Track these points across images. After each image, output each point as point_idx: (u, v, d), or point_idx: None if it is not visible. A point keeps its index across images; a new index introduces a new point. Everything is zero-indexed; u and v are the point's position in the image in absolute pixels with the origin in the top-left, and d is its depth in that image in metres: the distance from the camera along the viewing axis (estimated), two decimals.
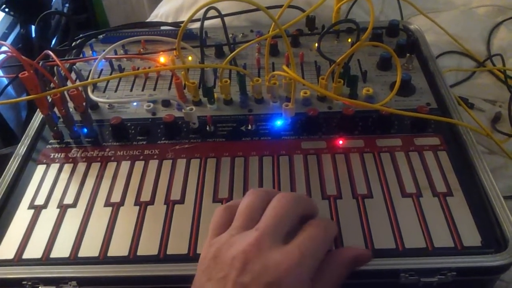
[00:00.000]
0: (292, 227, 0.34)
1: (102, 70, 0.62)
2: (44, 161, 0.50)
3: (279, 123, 0.52)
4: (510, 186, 0.58)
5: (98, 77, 0.61)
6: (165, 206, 0.44)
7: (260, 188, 0.41)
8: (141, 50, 0.65)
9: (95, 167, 0.49)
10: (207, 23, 0.52)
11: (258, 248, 0.32)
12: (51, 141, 0.52)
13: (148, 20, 0.95)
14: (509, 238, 0.40)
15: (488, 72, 0.75)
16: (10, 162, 0.50)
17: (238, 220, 0.35)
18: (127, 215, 0.44)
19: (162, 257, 0.40)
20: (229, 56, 0.51)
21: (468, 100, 0.69)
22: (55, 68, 0.51)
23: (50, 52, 0.50)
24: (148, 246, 0.41)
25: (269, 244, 0.32)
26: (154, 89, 0.59)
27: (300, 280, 0.31)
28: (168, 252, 0.40)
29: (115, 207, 0.44)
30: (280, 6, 0.52)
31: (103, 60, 0.61)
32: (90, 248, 0.41)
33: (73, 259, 0.40)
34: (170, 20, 0.88)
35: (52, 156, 0.50)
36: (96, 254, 0.41)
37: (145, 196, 0.45)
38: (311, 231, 0.34)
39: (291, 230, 0.34)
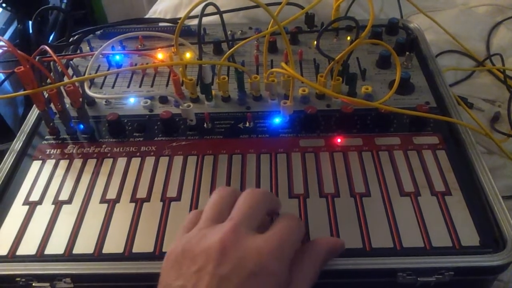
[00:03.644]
0: (262, 220, 0.34)
1: (99, 66, 0.62)
2: (40, 157, 0.49)
3: (277, 120, 0.52)
4: (508, 185, 0.58)
5: (95, 73, 0.60)
6: (162, 203, 0.44)
7: (227, 186, 0.40)
8: (139, 46, 0.64)
9: (91, 163, 0.48)
10: (205, 19, 0.52)
11: (236, 236, 0.31)
12: (47, 137, 0.52)
13: (147, 16, 0.94)
14: (508, 238, 0.39)
15: (488, 72, 0.75)
16: (5, 158, 0.49)
17: (207, 214, 0.35)
18: (123, 212, 0.43)
19: (157, 254, 0.40)
20: (228, 53, 0.51)
21: (468, 99, 0.68)
22: (51, 63, 0.50)
23: (47, 47, 0.50)
24: (144, 243, 0.41)
25: (246, 232, 0.32)
26: (152, 86, 0.58)
27: (281, 266, 0.31)
28: (164, 250, 0.40)
29: (111, 204, 0.44)
30: (279, 3, 0.52)
31: (100, 56, 0.61)
32: (85, 244, 0.41)
33: (68, 256, 0.40)
34: (168, 17, 0.87)
35: (48, 152, 0.50)
36: (91, 251, 0.40)
37: (141, 193, 0.45)
38: (286, 221, 0.34)
39: (261, 223, 0.34)
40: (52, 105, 0.52)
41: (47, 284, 0.39)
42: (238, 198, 0.35)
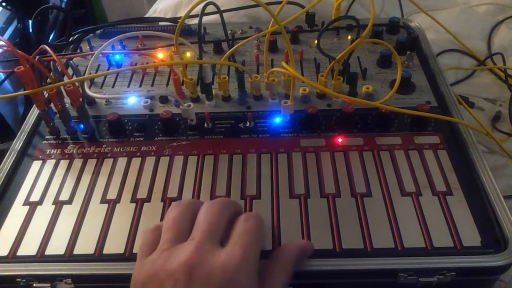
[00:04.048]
0: (224, 231, 0.34)
1: (99, 65, 0.62)
2: (40, 157, 0.49)
3: (277, 120, 0.52)
4: (510, 185, 0.58)
5: (95, 72, 0.60)
6: (162, 203, 0.44)
7: (182, 200, 0.39)
8: (139, 45, 0.64)
9: (92, 163, 0.48)
10: (205, 19, 0.52)
11: (199, 255, 0.31)
12: (47, 136, 0.52)
13: (147, 15, 0.94)
14: (509, 238, 0.39)
15: (489, 71, 0.75)
16: (5, 158, 0.49)
17: (167, 234, 0.34)
18: (124, 212, 0.43)
19: None
20: (228, 52, 0.51)
21: (469, 98, 0.68)
22: (51, 63, 0.50)
23: (47, 47, 0.50)
24: None
25: (209, 249, 0.32)
26: (152, 85, 0.58)
27: (249, 276, 0.31)
28: None
29: (111, 204, 0.44)
30: (280, 2, 0.52)
31: (100, 55, 0.61)
32: (86, 245, 0.41)
33: (68, 256, 0.40)
34: (168, 16, 0.87)
35: (48, 152, 0.50)
36: (92, 252, 0.40)
37: (142, 193, 0.45)
38: (243, 226, 0.34)
39: (223, 234, 0.34)
40: (52, 105, 0.52)
41: (48, 285, 0.39)
42: (197, 213, 0.35)
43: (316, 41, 0.60)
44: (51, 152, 0.50)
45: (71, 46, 0.65)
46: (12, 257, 0.40)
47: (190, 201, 0.37)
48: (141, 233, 0.37)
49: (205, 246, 0.32)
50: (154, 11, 0.93)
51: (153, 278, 0.31)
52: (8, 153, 0.50)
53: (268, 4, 0.45)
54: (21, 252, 0.41)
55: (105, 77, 0.59)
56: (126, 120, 0.53)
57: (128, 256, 0.40)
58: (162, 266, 0.31)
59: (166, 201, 0.44)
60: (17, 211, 0.44)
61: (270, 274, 0.34)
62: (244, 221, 0.35)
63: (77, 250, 0.40)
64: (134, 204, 0.44)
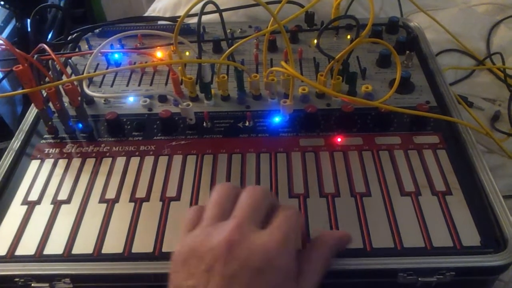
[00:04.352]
0: (264, 216, 0.34)
1: (98, 64, 0.61)
2: (38, 156, 0.49)
3: (277, 119, 0.52)
4: (509, 185, 0.58)
5: (94, 71, 0.60)
6: (161, 203, 0.44)
7: (227, 183, 0.40)
8: (138, 44, 0.64)
9: (90, 162, 0.48)
10: (205, 18, 0.52)
11: (240, 233, 0.31)
12: (45, 136, 0.52)
13: (145, 14, 0.94)
14: (508, 238, 0.39)
15: (488, 71, 0.75)
16: (3, 157, 0.49)
17: (210, 213, 0.34)
18: (122, 212, 0.43)
19: (157, 255, 0.40)
20: (227, 52, 0.51)
21: (468, 98, 0.68)
22: (50, 62, 0.50)
23: (45, 46, 0.50)
24: (143, 243, 0.40)
25: (250, 229, 0.32)
26: (151, 84, 0.58)
27: (288, 260, 0.31)
28: (163, 250, 0.40)
29: (110, 204, 0.44)
30: (279, 2, 0.52)
31: (99, 54, 0.60)
32: (84, 245, 0.40)
33: (67, 256, 0.40)
34: (167, 15, 0.87)
35: (46, 151, 0.50)
36: (90, 251, 0.40)
37: (141, 193, 0.44)
38: (284, 213, 0.34)
39: (263, 220, 0.34)
40: (50, 104, 0.51)
41: (46, 285, 0.39)
42: (239, 195, 0.35)
43: (315, 41, 0.60)
44: (50, 152, 0.50)
45: (70, 45, 0.65)
46: (11, 257, 0.40)
47: (233, 184, 0.37)
48: (186, 211, 0.37)
49: (246, 226, 0.32)
50: (153, 10, 0.93)
51: (194, 252, 0.31)
52: (6, 152, 0.50)
53: (267, 3, 0.45)
54: (19, 251, 0.40)
55: (104, 76, 0.59)
56: (124, 119, 0.53)
57: (127, 255, 0.40)
58: (203, 241, 0.31)
59: (165, 201, 0.44)
60: (15, 211, 0.44)
61: (308, 260, 0.34)
62: (285, 209, 0.35)
63: (75, 250, 0.40)
64: (132, 204, 0.44)
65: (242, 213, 0.33)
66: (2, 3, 0.97)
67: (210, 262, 0.30)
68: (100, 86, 0.58)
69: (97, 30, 0.68)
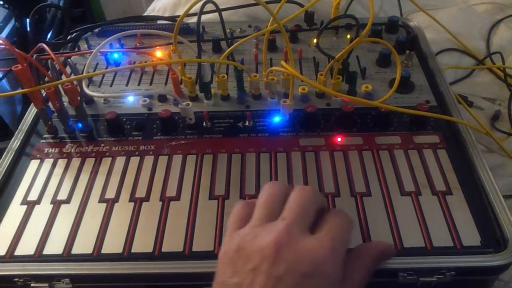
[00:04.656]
0: (313, 219, 0.34)
1: (97, 64, 0.61)
2: (38, 156, 0.49)
3: (277, 119, 0.52)
4: (509, 184, 0.58)
5: (94, 71, 0.60)
6: (161, 202, 0.43)
7: (277, 182, 0.40)
8: (137, 44, 0.64)
9: (90, 162, 0.48)
10: (204, 17, 0.52)
11: (289, 236, 0.31)
12: (45, 135, 0.51)
13: (145, 14, 0.94)
14: (509, 238, 0.39)
15: (488, 70, 0.75)
16: (3, 157, 0.49)
17: (259, 212, 0.34)
18: (122, 212, 0.43)
19: (157, 255, 0.39)
20: (227, 51, 0.51)
21: (468, 98, 0.68)
22: (49, 61, 0.50)
23: (45, 45, 0.50)
24: (143, 243, 0.40)
25: (299, 233, 0.32)
26: (150, 84, 0.58)
27: (335, 267, 0.31)
28: (163, 250, 0.40)
29: (110, 203, 0.44)
30: (279, 1, 0.52)
31: (99, 54, 0.60)
32: (84, 245, 0.40)
33: (67, 256, 0.40)
34: (167, 15, 0.87)
35: (46, 151, 0.49)
36: (90, 251, 0.40)
37: (140, 193, 0.44)
38: (336, 220, 0.34)
39: (312, 222, 0.34)
40: (50, 104, 0.51)
41: (46, 285, 0.39)
42: (289, 195, 0.35)
43: (315, 40, 0.60)
44: (49, 151, 0.49)
45: (69, 44, 0.65)
46: (10, 257, 0.40)
47: (283, 184, 0.37)
48: (234, 206, 0.37)
49: (295, 229, 0.32)
50: (152, 10, 0.93)
51: (242, 251, 0.31)
52: (5, 152, 0.49)
53: (267, 3, 0.45)
54: (19, 251, 0.40)
55: (103, 76, 0.59)
56: (124, 119, 0.52)
57: (126, 255, 0.39)
58: (252, 241, 0.32)
59: (165, 201, 0.44)
60: (15, 211, 0.44)
61: (351, 268, 0.34)
62: (337, 215, 0.35)
63: (75, 250, 0.40)
64: (132, 204, 0.43)
65: (291, 215, 0.33)
66: (1, 2, 0.97)
67: (257, 262, 0.30)
68: (99, 86, 0.58)
69: (96, 30, 0.67)
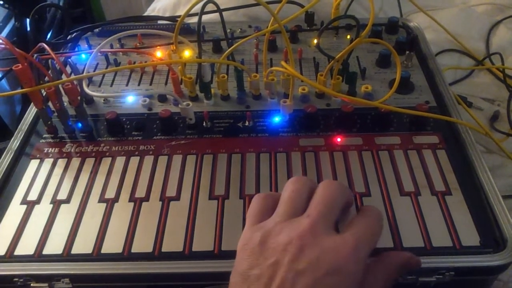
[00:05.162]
0: (338, 216, 0.34)
1: (97, 64, 0.61)
2: (38, 155, 0.49)
3: (276, 119, 0.52)
4: (508, 185, 0.58)
5: (94, 71, 0.60)
6: (161, 202, 0.44)
7: (302, 176, 0.39)
8: (138, 44, 0.64)
9: (90, 162, 0.48)
10: (205, 17, 0.52)
11: (314, 234, 0.31)
12: (45, 135, 0.52)
13: (145, 14, 0.94)
14: (508, 238, 0.39)
15: (487, 71, 0.75)
16: (2, 157, 0.49)
17: (283, 207, 0.34)
18: (122, 212, 0.43)
19: (156, 255, 0.39)
20: (227, 51, 0.51)
21: (467, 98, 0.68)
22: (49, 61, 0.50)
23: (45, 45, 0.50)
24: (143, 243, 0.40)
25: (323, 231, 0.32)
26: (151, 84, 0.58)
27: (356, 269, 0.31)
28: (163, 250, 0.40)
29: (110, 203, 0.44)
30: (279, 2, 0.52)
31: (99, 54, 0.60)
32: (84, 244, 0.40)
33: (66, 256, 0.40)
34: (167, 15, 0.87)
35: (45, 151, 0.50)
36: (90, 251, 0.40)
37: (140, 192, 0.44)
38: (365, 220, 0.34)
39: (338, 219, 0.34)
40: (50, 104, 0.51)
41: (45, 285, 0.39)
42: (314, 191, 0.35)
43: (315, 41, 0.60)
44: (49, 151, 0.49)
45: (69, 44, 0.65)
46: (10, 257, 0.40)
47: (308, 178, 0.37)
48: (253, 199, 0.37)
49: (319, 226, 0.32)
50: (152, 10, 0.93)
51: (264, 246, 0.31)
52: (5, 152, 0.49)
53: (267, 3, 0.45)
54: (18, 251, 0.40)
55: (104, 76, 0.59)
56: (124, 119, 0.52)
57: (126, 255, 0.39)
58: (275, 237, 0.32)
59: (165, 200, 0.44)
60: (14, 210, 0.44)
61: (373, 272, 0.34)
62: (368, 215, 0.35)
63: (75, 250, 0.40)
64: (132, 203, 0.44)
65: (316, 212, 0.33)
66: (1, 2, 0.97)
67: (280, 257, 0.30)
68: (99, 86, 0.58)
69: (96, 30, 0.67)
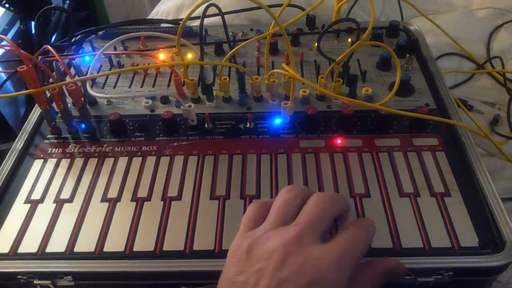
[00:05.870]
0: (328, 227, 0.35)
1: (101, 66, 0.62)
2: (41, 156, 0.50)
3: (277, 121, 0.52)
4: (508, 188, 0.58)
5: (97, 73, 0.61)
6: (162, 202, 0.44)
7: (296, 185, 0.40)
8: (141, 46, 0.65)
9: (93, 162, 0.48)
10: (207, 21, 0.52)
11: (299, 243, 0.32)
12: (48, 136, 0.52)
13: (149, 17, 0.95)
14: (506, 239, 0.40)
15: (488, 75, 0.75)
16: (7, 157, 0.49)
17: (274, 215, 0.35)
18: (124, 211, 0.43)
19: (158, 253, 0.40)
20: (229, 54, 0.51)
21: (467, 102, 0.69)
22: (54, 63, 0.51)
23: (50, 47, 0.50)
24: (144, 242, 0.41)
25: (310, 240, 0.32)
26: (153, 86, 0.59)
27: (340, 279, 0.31)
28: (164, 249, 0.40)
29: (112, 203, 0.44)
30: (280, 5, 0.52)
31: (102, 56, 0.61)
32: (86, 243, 0.41)
33: (69, 254, 0.40)
34: (170, 18, 0.88)
35: (49, 151, 0.50)
36: (92, 250, 0.40)
37: (142, 192, 0.45)
38: (354, 231, 0.34)
39: (327, 229, 0.34)
40: (54, 105, 0.52)
41: (49, 282, 0.40)
42: (307, 201, 0.36)
43: (316, 43, 0.61)
44: (53, 151, 0.50)
45: (74, 46, 0.66)
46: (13, 255, 0.40)
47: (303, 188, 0.38)
48: (249, 206, 0.38)
49: (306, 235, 0.32)
50: (155, 13, 0.94)
51: (251, 253, 0.32)
52: (9, 152, 0.50)
53: (269, 6, 0.45)
54: (22, 249, 0.41)
55: (107, 78, 0.60)
56: (127, 120, 0.53)
57: (128, 254, 0.40)
58: (262, 244, 0.32)
59: (166, 200, 0.44)
60: (18, 209, 0.44)
61: (357, 281, 0.34)
62: (357, 227, 0.35)
63: (77, 248, 0.41)
64: (134, 203, 0.44)
65: (305, 222, 0.33)
66: (7, 5, 0.98)
67: (264, 264, 0.31)
68: (103, 87, 0.59)
69: (100, 32, 0.68)
